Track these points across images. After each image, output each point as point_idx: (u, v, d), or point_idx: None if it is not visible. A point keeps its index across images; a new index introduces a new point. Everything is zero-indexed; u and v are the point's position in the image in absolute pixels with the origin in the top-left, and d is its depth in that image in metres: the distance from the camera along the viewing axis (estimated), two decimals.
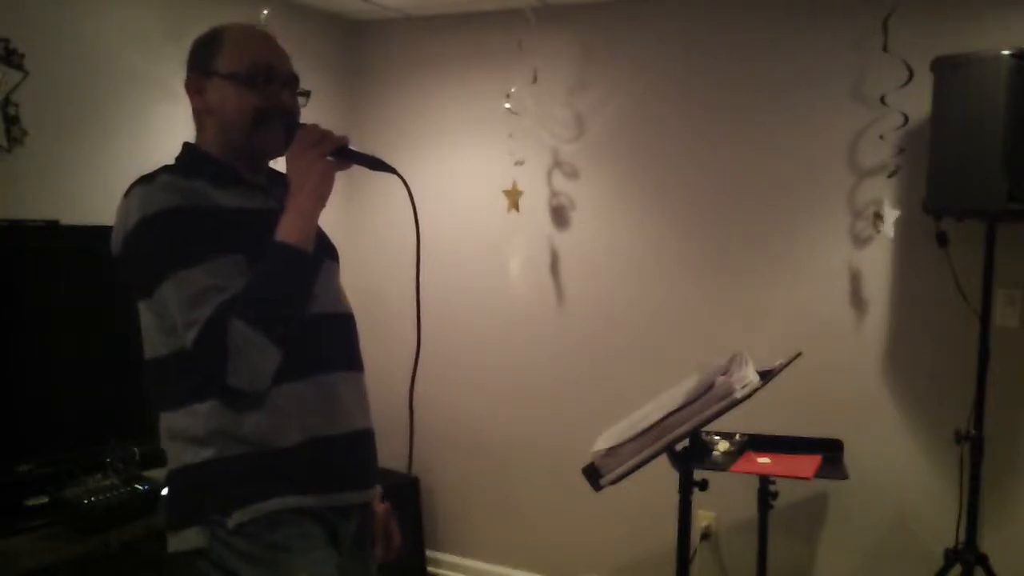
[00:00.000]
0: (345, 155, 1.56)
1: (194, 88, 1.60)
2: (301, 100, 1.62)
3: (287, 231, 1.47)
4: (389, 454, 3.77)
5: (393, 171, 1.59)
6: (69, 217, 2.53)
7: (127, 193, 1.50)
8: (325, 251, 1.65)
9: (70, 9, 2.68)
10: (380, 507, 1.77)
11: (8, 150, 2.50)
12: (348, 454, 1.59)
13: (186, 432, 1.48)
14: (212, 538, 1.45)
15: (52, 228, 2.48)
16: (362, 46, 3.83)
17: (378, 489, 1.71)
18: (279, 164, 1.62)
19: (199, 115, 1.61)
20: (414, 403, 1.74)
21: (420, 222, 1.66)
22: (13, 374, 2.36)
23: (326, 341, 1.58)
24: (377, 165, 1.60)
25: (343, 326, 1.65)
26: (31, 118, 2.54)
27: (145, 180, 1.50)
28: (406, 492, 3.58)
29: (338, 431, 1.56)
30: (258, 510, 1.45)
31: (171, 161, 1.60)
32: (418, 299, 1.68)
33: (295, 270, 1.47)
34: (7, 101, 2.48)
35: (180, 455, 1.50)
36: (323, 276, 1.57)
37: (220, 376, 1.39)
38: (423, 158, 3.64)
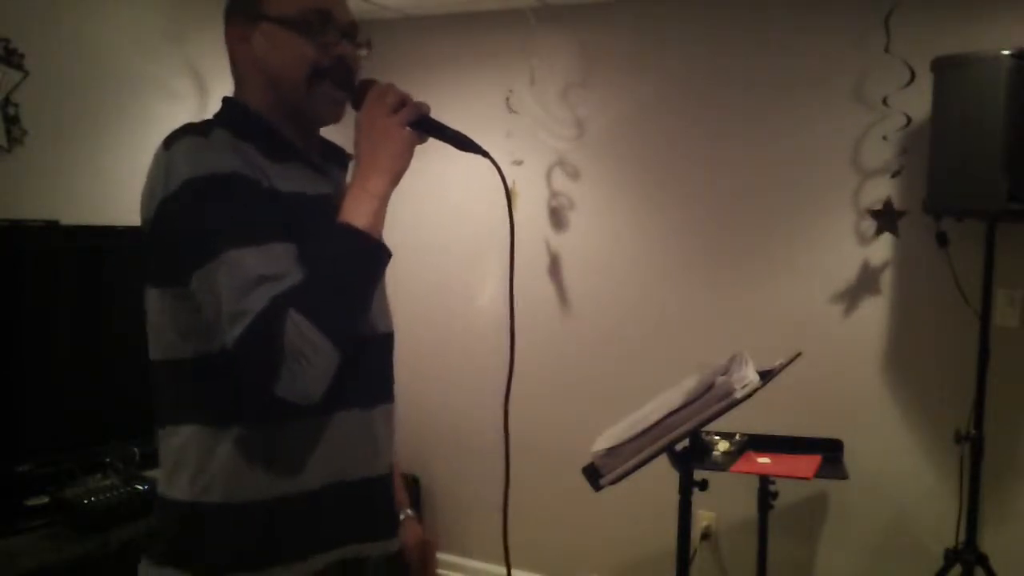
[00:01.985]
0: (427, 126, 1.28)
1: (237, 37, 1.32)
2: (361, 52, 1.35)
3: (355, 213, 1.21)
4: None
5: (484, 153, 1.32)
6: (69, 217, 2.53)
7: (168, 144, 1.20)
8: None
9: (70, 9, 2.68)
10: (416, 532, 1.60)
11: (8, 150, 2.50)
12: (374, 501, 1.37)
13: (199, 457, 1.24)
14: None
15: (52, 228, 2.47)
16: None
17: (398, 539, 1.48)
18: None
19: (241, 70, 1.34)
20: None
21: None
22: (13, 374, 2.35)
23: (374, 367, 1.36)
24: (465, 144, 1.31)
25: (385, 348, 1.41)
26: (31, 118, 2.54)
27: (194, 131, 1.22)
28: (406, 492, 3.58)
29: (363, 475, 1.34)
30: None
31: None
32: (512, 304, 1.39)
33: (365, 261, 1.22)
34: (7, 101, 2.48)
35: (183, 483, 1.25)
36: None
37: (269, 382, 1.12)
38: (422, 158, 3.63)
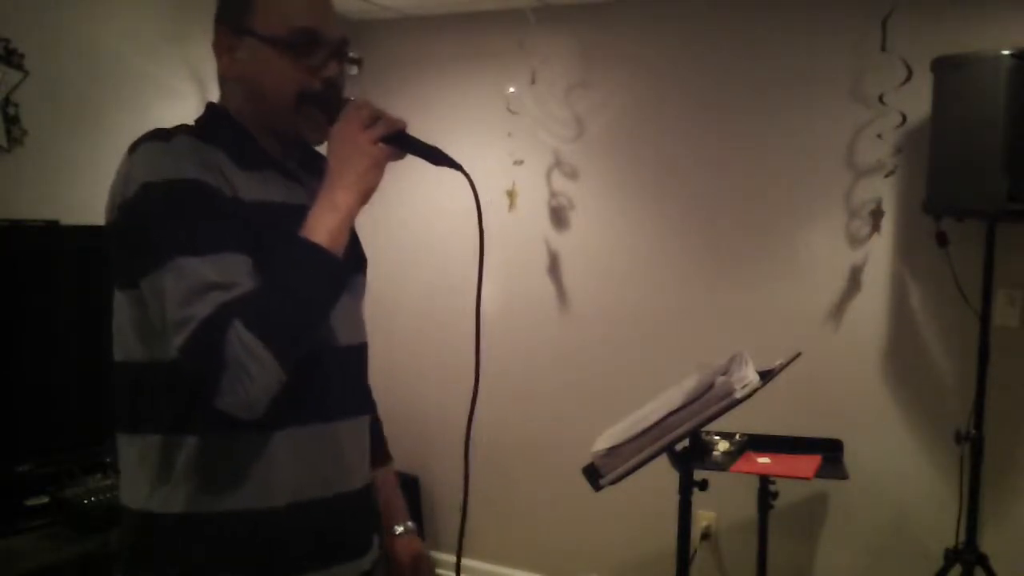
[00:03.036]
0: (401, 142, 1.25)
1: (223, 46, 1.29)
2: (351, 70, 1.33)
3: (316, 228, 1.17)
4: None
5: (458, 167, 1.30)
6: (69, 217, 2.53)
7: (133, 148, 1.20)
8: (356, 263, 1.40)
9: (70, 9, 2.68)
10: (412, 546, 1.57)
11: (8, 150, 2.50)
12: (344, 519, 1.33)
13: (157, 467, 1.21)
14: None
15: (52, 228, 2.47)
16: (362, 46, 3.83)
17: (375, 549, 1.44)
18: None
19: (224, 76, 1.32)
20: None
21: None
22: (13, 374, 2.35)
23: (337, 380, 1.31)
24: (439, 158, 1.29)
25: (357, 360, 1.39)
26: (31, 118, 2.54)
27: (158, 136, 1.20)
28: (406, 492, 3.58)
29: (333, 491, 1.30)
30: None
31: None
32: (478, 315, 1.47)
33: (319, 278, 1.17)
34: (7, 101, 2.48)
35: (142, 494, 1.23)
36: (347, 296, 1.30)
37: (210, 391, 1.10)
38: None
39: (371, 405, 1.53)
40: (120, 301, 1.24)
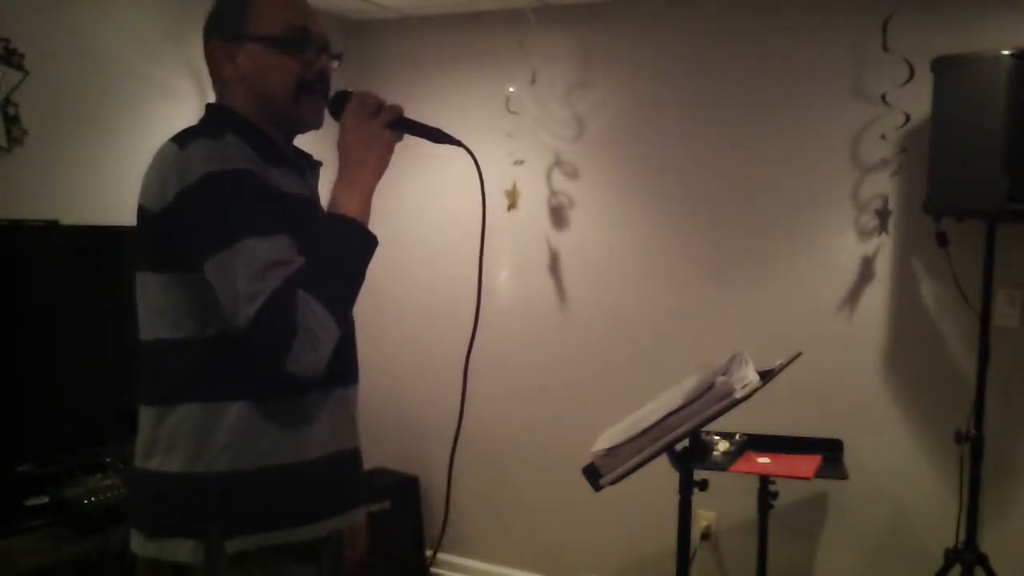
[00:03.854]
0: (403, 125, 1.44)
1: (221, 55, 1.43)
2: (334, 64, 1.49)
3: (347, 205, 1.35)
4: (390, 454, 3.79)
5: (458, 143, 1.48)
6: (69, 217, 2.53)
7: (183, 143, 1.31)
8: None
9: (70, 9, 2.68)
10: None
11: (8, 150, 2.50)
12: (357, 471, 1.53)
13: (199, 433, 1.33)
14: (202, 557, 1.31)
15: (52, 228, 2.47)
16: (362, 46, 3.83)
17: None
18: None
19: (227, 84, 1.45)
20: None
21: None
22: (13, 374, 2.36)
23: (348, 350, 1.48)
24: (438, 136, 1.47)
25: (353, 336, 1.56)
26: (31, 118, 2.54)
27: (208, 133, 1.33)
28: (406, 492, 3.59)
29: (350, 446, 1.49)
30: (264, 540, 1.33)
31: None
32: (480, 281, 1.67)
33: (360, 249, 1.36)
34: (7, 101, 2.48)
35: (182, 458, 1.33)
36: None
37: (281, 356, 1.24)
38: (422, 157, 3.63)
39: None
40: (160, 283, 1.35)
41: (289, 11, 1.43)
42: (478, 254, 1.58)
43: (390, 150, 1.42)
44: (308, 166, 1.54)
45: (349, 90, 1.44)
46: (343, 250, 1.34)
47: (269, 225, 1.28)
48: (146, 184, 1.34)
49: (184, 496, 1.34)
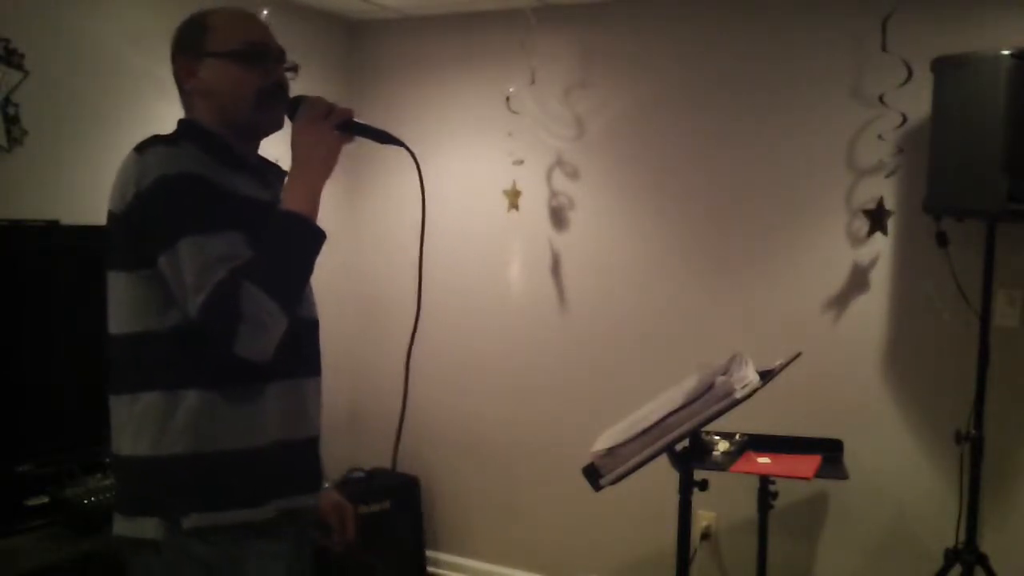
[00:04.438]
0: (351, 128, 1.53)
1: (185, 72, 1.55)
2: (289, 75, 1.61)
3: (298, 203, 1.46)
4: (390, 454, 3.78)
5: (401, 144, 1.57)
6: (69, 217, 2.53)
7: (142, 149, 1.43)
8: None
9: (70, 9, 2.68)
10: (332, 497, 1.77)
11: (8, 150, 2.50)
12: (308, 459, 1.61)
13: (161, 418, 1.43)
14: (167, 533, 1.43)
15: (52, 228, 2.47)
16: (362, 46, 3.83)
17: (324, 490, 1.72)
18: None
19: (191, 96, 1.57)
20: (412, 398, 1.72)
21: (420, 225, 1.66)
22: (13, 374, 2.36)
23: (304, 345, 1.59)
24: (384, 138, 1.56)
25: (313, 332, 1.65)
26: (31, 118, 2.54)
27: (166, 141, 1.45)
28: (406, 492, 3.58)
29: (302, 435, 1.58)
30: (217, 519, 1.44)
31: None
32: (420, 275, 1.72)
33: (307, 242, 1.45)
34: (7, 101, 2.48)
35: (147, 442, 1.44)
36: None
37: (228, 342, 1.35)
38: (422, 157, 3.63)
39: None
40: (126, 281, 1.46)
41: (246, 28, 1.56)
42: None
43: (337, 150, 1.51)
44: (275, 175, 1.63)
45: (303, 95, 1.54)
46: (288, 243, 1.43)
47: (218, 223, 1.39)
48: (112, 189, 1.46)
49: (150, 477, 1.45)
